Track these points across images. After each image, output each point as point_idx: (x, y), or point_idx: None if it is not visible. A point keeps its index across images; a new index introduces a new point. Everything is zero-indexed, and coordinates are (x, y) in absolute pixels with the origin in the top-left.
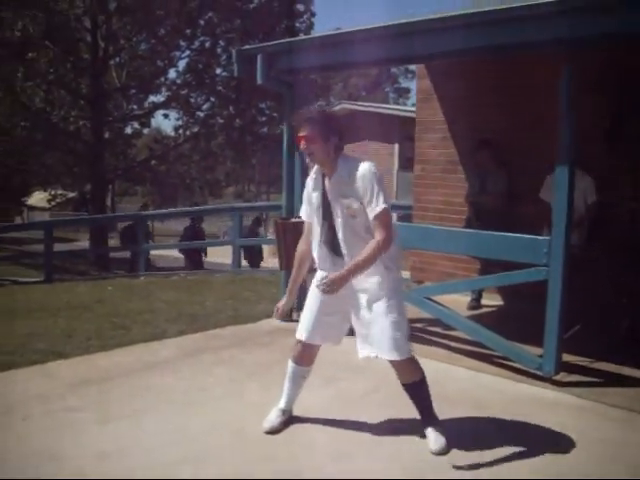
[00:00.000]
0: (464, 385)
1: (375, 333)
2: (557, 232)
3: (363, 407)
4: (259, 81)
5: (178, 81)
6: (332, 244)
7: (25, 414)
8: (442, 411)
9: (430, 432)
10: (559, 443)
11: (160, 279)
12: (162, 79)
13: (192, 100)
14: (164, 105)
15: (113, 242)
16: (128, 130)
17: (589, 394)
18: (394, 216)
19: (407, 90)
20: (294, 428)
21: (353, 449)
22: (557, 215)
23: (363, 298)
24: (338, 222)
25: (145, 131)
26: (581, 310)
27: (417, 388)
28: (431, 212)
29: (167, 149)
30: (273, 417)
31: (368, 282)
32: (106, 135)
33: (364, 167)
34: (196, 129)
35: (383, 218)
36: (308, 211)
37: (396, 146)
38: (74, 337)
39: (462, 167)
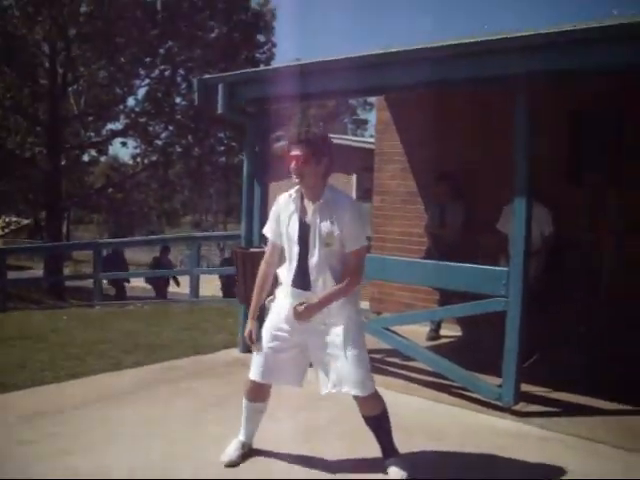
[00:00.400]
0: (422, 415)
1: (338, 368)
2: (515, 263)
3: (324, 439)
4: (220, 111)
5: (137, 109)
6: (303, 268)
7: None
8: (400, 442)
9: (391, 465)
10: (521, 474)
11: (116, 309)
12: (121, 107)
13: (150, 128)
14: (122, 133)
15: (68, 270)
16: (85, 157)
17: (550, 424)
18: None
19: (365, 121)
20: (254, 460)
21: None
22: (515, 246)
23: (324, 332)
24: (313, 247)
25: (102, 159)
26: (539, 340)
27: (379, 421)
28: (390, 243)
29: (124, 177)
30: (232, 450)
31: (330, 315)
32: (63, 162)
33: (352, 201)
34: (154, 157)
35: (361, 254)
36: (275, 230)
37: (354, 177)
38: (27, 367)
39: (421, 198)
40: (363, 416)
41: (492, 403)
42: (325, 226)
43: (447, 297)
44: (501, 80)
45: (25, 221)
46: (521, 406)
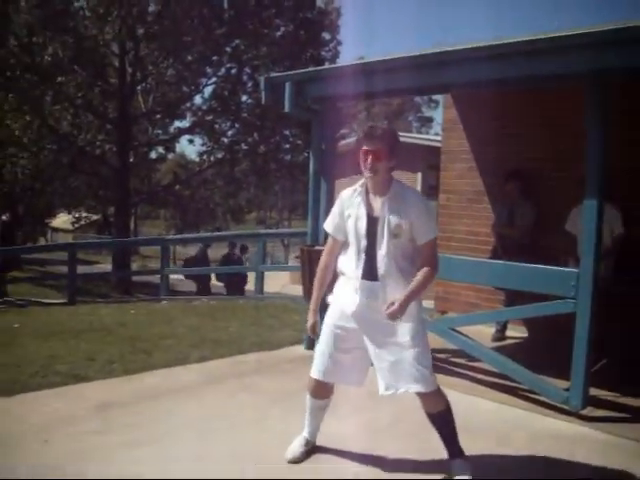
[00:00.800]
0: (488, 418)
1: (400, 366)
2: (585, 264)
3: (388, 438)
4: (287, 109)
5: (203, 107)
6: (370, 261)
7: (47, 436)
8: (465, 444)
9: (455, 465)
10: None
11: (182, 304)
12: (188, 105)
13: (217, 126)
14: (189, 130)
15: (135, 265)
16: (153, 155)
17: (617, 429)
18: None
19: (430, 119)
20: (317, 458)
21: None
22: (586, 247)
23: (389, 330)
24: (381, 239)
25: (170, 156)
26: (608, 343)
27: (442, 418)
28: (455, 242)
29: (191, 174)
30: (296, 446)
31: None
32: (131, 159)
33: (420, 195)
34: (220, 155)
35: (434, 245)
36: (337, 224)
37: (419, 175)
38: (96, 360)
39: (488, 197)
40: (427, 413)
41: (559, 407)
42: (394, 218)
43: (512, 298)
44: (571, 77)
45: (94, 217)
46: (589, 410)
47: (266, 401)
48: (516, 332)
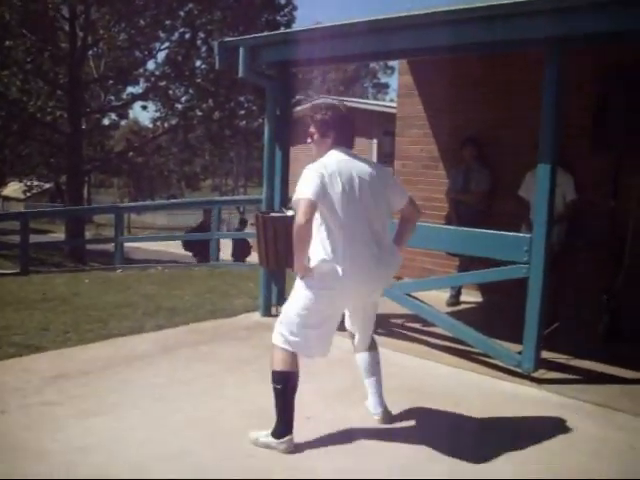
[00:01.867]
0: (443, 381)
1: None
2: (538, 230)
3: (344, 402)
4: (241, 74)
5: (157, 72)
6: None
7: (2, 408)
8: (421, 407)
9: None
10: (540, 440)
11: (137, 272)
12: (141, 70)
13: (171, 92)
14: (142, 96)
15: (89, 234)
16: (106, 121)
17: (569, 391)
18: None
19: (386, 85)
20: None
21: (333, 447)
22: (538, 212)
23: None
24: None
25: (123, 122)
26: (560, 307)
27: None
28: None
29: (145, 141)
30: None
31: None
32: (83, 126)
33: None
34: (175, 121)
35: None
36: None
37: (375, 141)
38: (51, 330)
39: (443, 163)
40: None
41: (512, 370)
42: None
43: (467, 263)
44: (528, 43)
45: (47, 185)
46: (541, 373)
47: (222, 369)
48: (470, 297)
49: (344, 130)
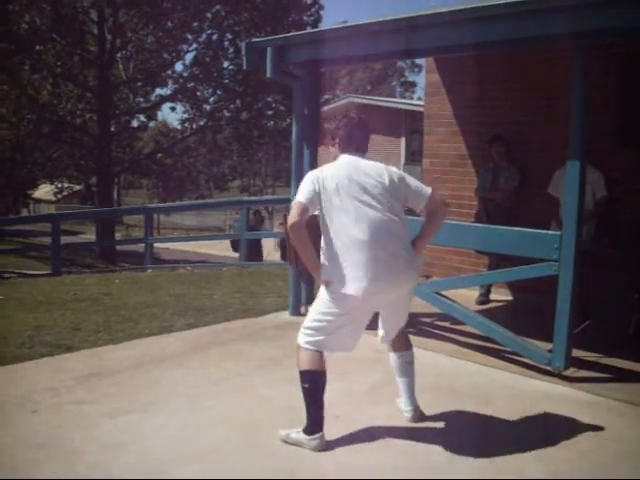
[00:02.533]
0: (473, 380)
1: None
2: (568, 227)
3: (373, 401)
4: (268, 74)
5: (185, 74)
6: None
7: (34, 407)
8: (450, 405)
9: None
10: (570, 439)
11: (166, 272)
12: (169, 72)
13: (199, 93)
14: (171, 98)
15: (118, 235)
16: (134, 123)
17: (600, 389)
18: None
19: (413, 84)
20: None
21: (362, 445)
22: (568, 210)
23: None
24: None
25: (151, 124)
26: (591, 305)
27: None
28: None
29: (173, 142)
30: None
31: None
32: (112, 128)
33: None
34: (203, 122)
35: (437, 195)
36: None
37: (402, 140)
38: (82, 330)
39: (471, 161)
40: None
41: (542, 368)
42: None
43: (497, 261)
44: (555, 40)
45: (77, 187)
46: (571, 371)
47: (251, 368)
48: (500, 295)
49: (352, 137)
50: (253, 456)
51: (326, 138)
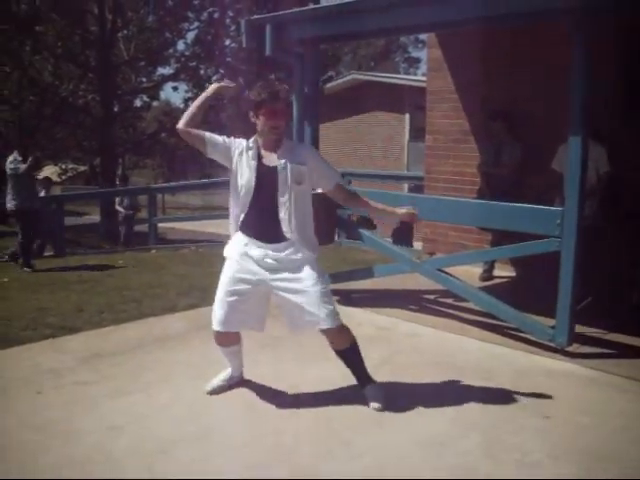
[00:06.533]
0: (475, 356)
1: (307, 305)
2: (570, 203)
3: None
4: (268, 52)
5: (187, 53)
6: (273, 215)
7: (39, 388)
8: (453, 381)
9: (368, 392)
10: (573, 415)
11: (170, 252)
12: (171, 51)
13: (201, 72)
14: (173, 77)
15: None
16: (137, 103)
17: (602, 365)
18: (405, 187)
19: (417, 60)
20: (304, 401)
21: (358, 425)
22: (570, 186)
23: (288, 273)
24: (284, 187)
25: (154, 104)
26: (593, 281)
27: (351, 353)
28: (442, 183)
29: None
30: (216, 381)
31: (297, 255)
32: (115, 108)
33: (310, 145)
34: None
35: (343, 187)
36: (218, 142)
37: (407, 116)
38: (85, 311)
39: (474, 137)
40: (335, 350)
41: (545, 344)
42: (294, 166)
43: (500, 238)
44: (557, 14)
45: (81, 168)
46: (574, 347)
47: (255, 346)
48: (504, 271)
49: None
50: (257, 435)
51: (289, 109)
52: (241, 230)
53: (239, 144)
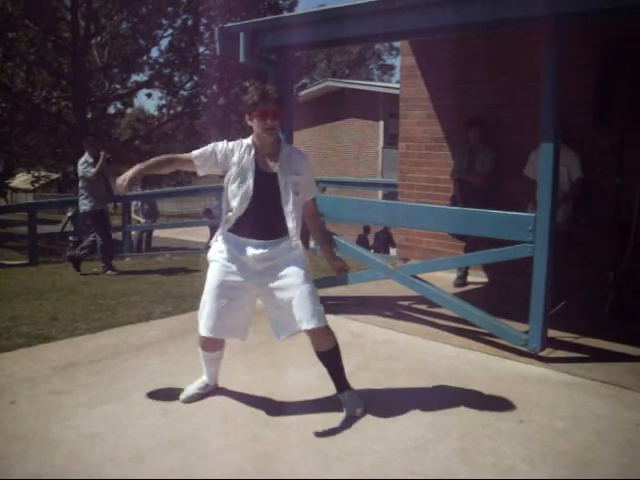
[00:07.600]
0: (449, 362)
1: (296, 302)
2: (542, 208)
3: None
4: (242, 59)
5: (161, 60)
6: (269, 221)
7: (12, 398)
8: (427, 387)
9: (346, 397)
10: (547, 419)
11: (146, 259)
12: (144, 58)
13: (175, 79)
14: (147, 84)
15: None
16: (111, 110)
17: (576, 370)
18: (379, 194)
19: (391, 67)
20: (281, 408)
21: (334, 432)
22: (542, 191)
23: (279, 268)
24: (286, 197)
25: (128, 111)
26: (566, 286)
27: (334, 354)
28: (416, 189)
29: (151, 128)
30: (192, 388)
31: (285, 256)
32: (89, 115)
33: (304, 152)
34: (180, 108)
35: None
36: (211, 159)
37: (381, 123)
38: (60, 320)
39: (447, 144)
40: (317, 352)
41: (519, 349)
42: (295, 175)
43: (474, 244)
44: (528, 22)
45: (54, 175)
46: (548, 352)
47: (230, 354)
48: (478, 277)
49: None
50: (233, 442)
51: (282, 111)
52: (232, 231)
53: (234, 148)
